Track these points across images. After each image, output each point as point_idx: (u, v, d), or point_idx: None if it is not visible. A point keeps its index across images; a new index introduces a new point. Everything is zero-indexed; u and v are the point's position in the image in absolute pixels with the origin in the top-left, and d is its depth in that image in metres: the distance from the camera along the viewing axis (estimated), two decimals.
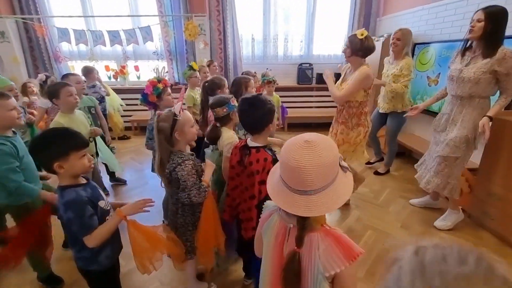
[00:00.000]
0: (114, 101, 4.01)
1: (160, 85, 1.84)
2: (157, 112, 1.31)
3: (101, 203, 1.15)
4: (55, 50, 4.53)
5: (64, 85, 1.88)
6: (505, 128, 1.96)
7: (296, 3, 4.64)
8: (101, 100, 3.60)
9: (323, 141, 0.68)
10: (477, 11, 1.80)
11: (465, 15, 2.83)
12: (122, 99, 4.42)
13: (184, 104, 2.90)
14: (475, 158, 2.25)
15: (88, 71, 3.61)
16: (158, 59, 4.70)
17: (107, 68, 4.89)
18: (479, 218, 2.23)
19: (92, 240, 1.06)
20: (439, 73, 3.08)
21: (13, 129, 1.50)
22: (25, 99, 3.46)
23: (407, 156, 3.68)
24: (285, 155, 0.69)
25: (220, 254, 1.49)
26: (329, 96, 5.08)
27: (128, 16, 4.55)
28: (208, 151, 1.90)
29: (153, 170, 2.10)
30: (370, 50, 2.03)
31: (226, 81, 2.27)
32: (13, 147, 1.39)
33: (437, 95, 2.29)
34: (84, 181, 1.15)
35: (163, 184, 1.38)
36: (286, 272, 0.70)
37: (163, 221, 2.27)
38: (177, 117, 1.25)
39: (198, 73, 2.98)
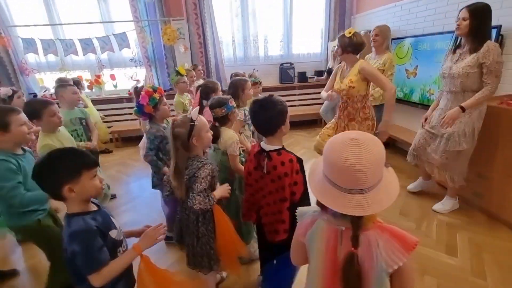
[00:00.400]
0: (93, 114, 3.79)
1: (157, 95, 1.77)
2: (172, 118, 1.25)
3: (113, 233, 1.02)
4: (20, 62, 4.19)
5: (46, 105, 1.68)
6: (487, 113, 2.10)
7: (273, 4, 4.69)
8: None
9: (369, 137, 0.67)
10: (462, 9, 1.92)
11: (436, 10, 3.02)
12: (99, 110, 4.21)
13: (173, 110, 2.82)
14: None
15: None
16: (136, 66, 4.51)
17: (80, 78, 4.62)
18: (470, 199, 2.38)
19: (100, 278, 0.92)
20: (417, 66, 3.25)
21: (23, 147, 1.40)
22: None
23: (392, 146, 3.84)
24: (332, 155, 0.67)
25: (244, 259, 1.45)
26: (311, 93, 4.99)
27: (102, 22, 4.33)
28: (209, 151, 1.86)
29: (153, 187, 2.00)
30: (359, 45, 2.09)
31: (219, 85, 2.23)
32: (16, 165, 1.30)
33: (438, 98, 2.34)
34: (94, 207, 1.03)
35: (178, 195, 1.30)
36: (346, 274, 0.69)
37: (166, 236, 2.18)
38: (194, 122, 1.21)
39: (186, 77, 2.90)
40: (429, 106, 2.87)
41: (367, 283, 0.69)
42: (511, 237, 2.01)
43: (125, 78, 4.72)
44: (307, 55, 5.00)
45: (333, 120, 2.43)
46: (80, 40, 4.08)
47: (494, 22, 2.30)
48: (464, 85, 1.98)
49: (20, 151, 1.40)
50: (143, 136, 2.18)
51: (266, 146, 1.27)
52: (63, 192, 0.92)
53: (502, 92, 2.35)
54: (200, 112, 2.11)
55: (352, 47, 2.07)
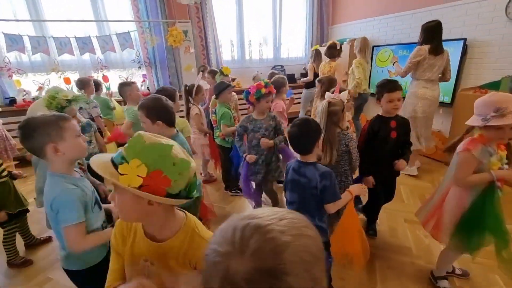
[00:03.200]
0: (121, 116, 3.56)
1: (264, 90, 1.96)
2: (327, 100, 1.59)
3: None
4: (3, 61, 3.65)
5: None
6: (466, 100, 2.98)
7: (265, 13, 5.15)
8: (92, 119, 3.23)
9: None
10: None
11: (412, 25, 3.93)
12: None
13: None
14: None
15: (84, 84, 3.19)
16: (139, 67, 4.37)
17: (67, 80, 4.21)
18: None
19: (335, 207, 1.30)
20: None
21: None
22: None
23: None
24: None
25: None
26: (300, 93, 5.46)
27: (104, 21, 4.11)
28: None
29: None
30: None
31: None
32: None
33: None
34: None
35: (324, 161, 1.63)
36: None
37: None
38: (344, 102, 1.60)
39: (229, 77, 3.10)
40: None
41: None
42: None
43: (119, 80, 4.52)
44: (294, 58, 5.61)
45: None
46: (77, 39, 3.79)
47: (459, 36, 3.28)
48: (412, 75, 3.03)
49: None
50: None
51: None
52: (315, 147, 1.33)
53: (469, 85, 3.31)
54: None
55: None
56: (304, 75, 5.59)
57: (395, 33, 4.21)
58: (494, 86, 3.00)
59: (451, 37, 3.28)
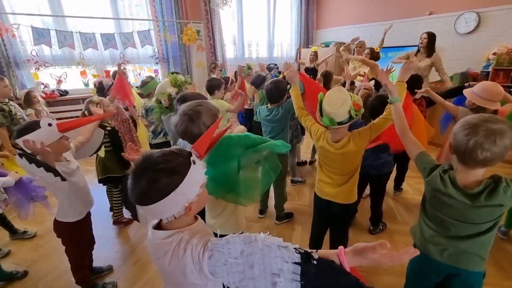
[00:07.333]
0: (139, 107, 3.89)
1: None
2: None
3: None
4: (29, 54, 3.75)
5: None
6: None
7: (261, 17, 5.83)
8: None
9: None
10: (423, 34, 3.71)
11: (386, 33, 4.95)
12: None
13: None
14: None
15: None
16: (157, 63, 4.71)
17: (83, 74, 4.39)
18: None
19: None
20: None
21: None
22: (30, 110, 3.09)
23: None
24: None
25: None
26: None
27: (125, 19, 4.39)
28: None
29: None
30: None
31: None
32: None
33: None
34: None
35: None
36: None
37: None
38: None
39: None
40: None
41: None
42: None
43: (134, 74, 4.80)
44: (285, 58, 6.36)
45: None
46: (102, 35, 4.05)
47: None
48: (423, 75, 3.83)
49: None
50: None
51: None
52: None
53: (431, 80, 4.37)
54: None
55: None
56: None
57: (371, 39, 5.21)
58: None
59: (417, 43, 4.32)
